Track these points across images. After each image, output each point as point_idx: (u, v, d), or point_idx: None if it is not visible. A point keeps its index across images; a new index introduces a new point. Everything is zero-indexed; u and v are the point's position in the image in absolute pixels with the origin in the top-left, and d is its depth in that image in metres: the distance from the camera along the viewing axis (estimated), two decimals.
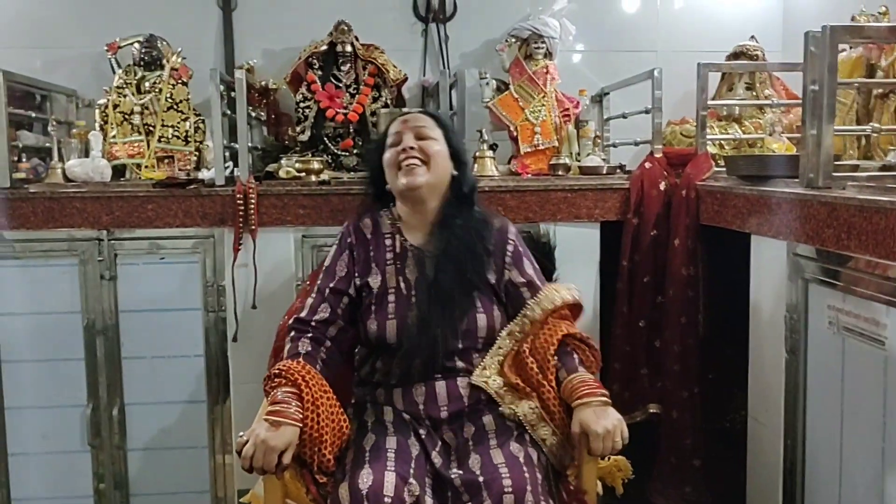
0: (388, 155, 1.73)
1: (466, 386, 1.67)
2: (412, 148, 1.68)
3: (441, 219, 1.74)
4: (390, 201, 1.81)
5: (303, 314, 1.70)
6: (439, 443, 1.62)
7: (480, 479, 1.46)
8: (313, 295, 1.72)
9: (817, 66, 1.70)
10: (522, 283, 1.75)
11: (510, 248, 1.77)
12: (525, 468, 1.50)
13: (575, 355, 1.66)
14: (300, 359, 1.61)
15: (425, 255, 1.72)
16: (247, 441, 1.46)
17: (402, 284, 1.70)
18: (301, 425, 1.48)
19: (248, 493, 1.73)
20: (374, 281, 1.70)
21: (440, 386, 1.66)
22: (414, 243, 1.74)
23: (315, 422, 1.50)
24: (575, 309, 1.76)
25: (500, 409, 1.64)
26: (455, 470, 1.52)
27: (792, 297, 1.84)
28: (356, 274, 1.71)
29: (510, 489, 1.44)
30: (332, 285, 1.70)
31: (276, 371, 1.56)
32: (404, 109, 1.95)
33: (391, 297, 1.68)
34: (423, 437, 1.60)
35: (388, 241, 1.75)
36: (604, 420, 1.49)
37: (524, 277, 1.75)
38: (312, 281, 2.06)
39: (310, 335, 1.67)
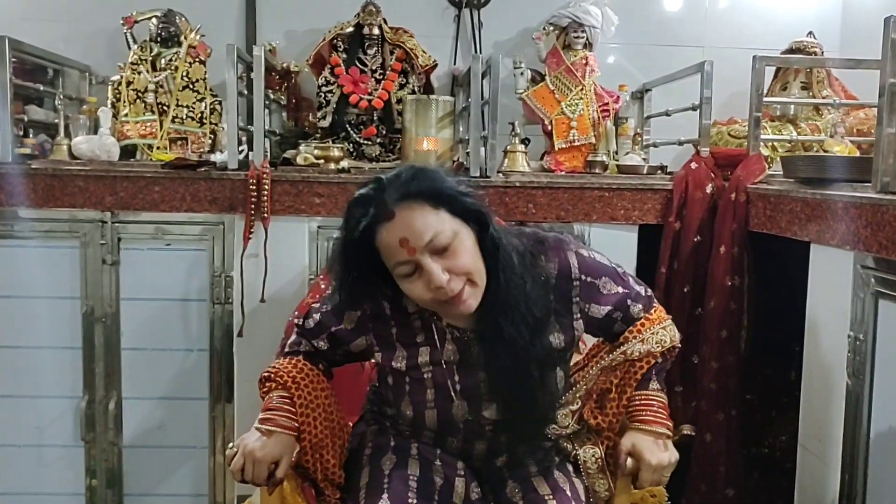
0: (410, 288, 1.23)
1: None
2: (449, 280, 1.19)
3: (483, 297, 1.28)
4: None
5: (307, 325, 1.40)
6: (467, 469, 1.39)
7: None
8: (321, 311, 1.38)
9: None
10: (608, 314, 1.36)
11: (576, 284, 1.33)
12: (573, 503, 1.33)
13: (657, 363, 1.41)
14: (299, 355, 1.41)
15: (467, 335, 1.32)
16: (236, 452, 1.30)
17: (438, 367, 1.33)
18: (295, 434, 1.33)
19: (245, 502, 1.60)
20: (399, 365, 1.33)
21: (479, 443, 1.38)
22: (451, 322, 1.32)
23: (312, 426, 1.34)
24: (674, 352, 1.46)
25: (562, 442, 1.42)
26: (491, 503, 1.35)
27: (857, 314, 1.65)
28: (375, 349, 1.35)
29: None
30: (334, 330, 1.36)
31: (266, 375, 1.39)
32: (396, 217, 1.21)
33: (429, 383, 1.33)
34: (450, 462, 1.38)
35: (416, 322, 1.34)
36: (661, 453, 1.32)
37: (606, 304, 1.35)
38: (327, 276, 1.91)
39: (313, 343, 1.42)
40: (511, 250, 1.28)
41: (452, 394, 1.32)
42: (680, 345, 1.44)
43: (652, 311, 1.42)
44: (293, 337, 1.45)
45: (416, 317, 1.33)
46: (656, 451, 1.32)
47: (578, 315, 1.34)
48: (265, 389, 1.39)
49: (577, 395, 1.41)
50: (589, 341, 1.52)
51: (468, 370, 1.31)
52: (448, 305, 1.22)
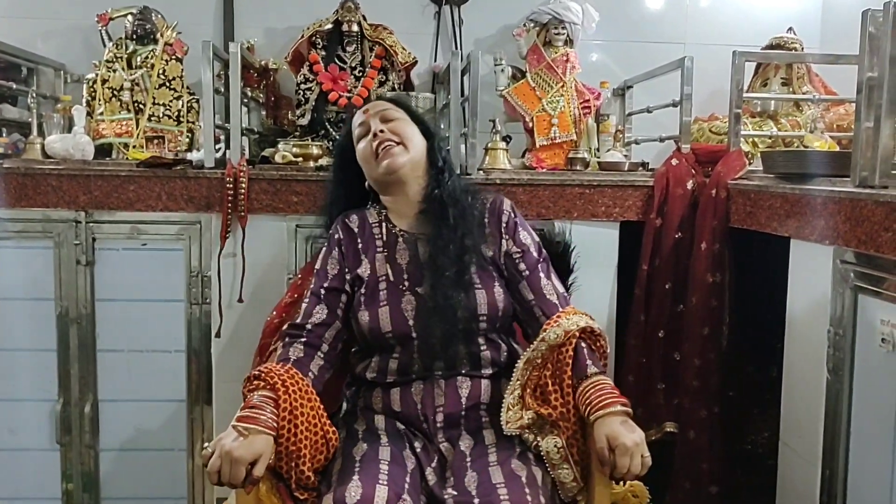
0: (360, 147, 1.65)
1: (466, 388, 1.53)
2: (382, 132, 1.61)
3: (425, 195, 1.64)
4: (369, 202, 1.73)
5: (297, 319, 1.57)
6: (435, 457, 1.47)
7: (476, 500, 1.31)
8: (307, 299, 1.60)
9: (877, 49, 1.50)
10: (517, 253, 1.63)
11: (505, 217, 1.66)
12: (527, 489, 1.33)
13: (583, 348, 1.48)
14: (288, 364, 1.46)
15: (416, 238, 1.62)
16: (212, 452, 1.28)
17: (392, 270, 1.59)
18: (274, 434, 1.31)
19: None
20: (364, 271, 1.60)
21: (439, 385, 1.52)
22: (403, 228, 1.65)
23: (292, 433, 1.34)
24: (598, 339, 1.53)
25: (525, 436, 1.47)
26: (450, 490, 1.37)
27: (837, 309, 1.64)
28: (347, 270, 1.61)
29: None
30: (325, 285, 1.59)
31: (256, 373, 1.41)
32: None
33: (382, 286, 1.57)
34: (419, 449, 1.46)
35: (375, 231, 1.65)
36: (631, 434, 1.31)
37: (519, 246, 1.63)
38: (304, 276, 1.90)
39: (304, 340, 1.53)
40: (454, 174, 1.69)
41: (402, 290, 1.55)
42: (601, 332, 1.53)
43: (567, 307, 1.58)
44: (279, 352, 1.52)
45: (375, 225, 1.65)
46: (626, 432, 1.32)
47: (503, 239, 1.63)
48: (250, 387, 1.38)
49: (514, 392, 1.49)
50: None
51: (414, 270, 1.58)
52: (382, 159, 1.59)
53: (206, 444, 1.33)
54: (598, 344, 1.52)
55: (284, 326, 1.60)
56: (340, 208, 1.73)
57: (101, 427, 2.19)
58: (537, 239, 1.69)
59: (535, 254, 1.64)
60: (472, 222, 1.61)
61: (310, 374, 1.48)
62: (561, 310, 1.56)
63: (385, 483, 1.30)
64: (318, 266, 1.65)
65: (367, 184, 1.70)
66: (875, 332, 1.53)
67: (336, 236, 1.65)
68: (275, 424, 1.32)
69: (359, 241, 1.64)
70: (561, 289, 1.63)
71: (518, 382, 1.50)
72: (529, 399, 1.48)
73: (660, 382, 2.25)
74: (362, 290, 1.57)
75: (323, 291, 1.58)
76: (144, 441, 2.21)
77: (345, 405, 1.66)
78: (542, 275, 1.61)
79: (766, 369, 2.35)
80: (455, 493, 1.35)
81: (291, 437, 1.34)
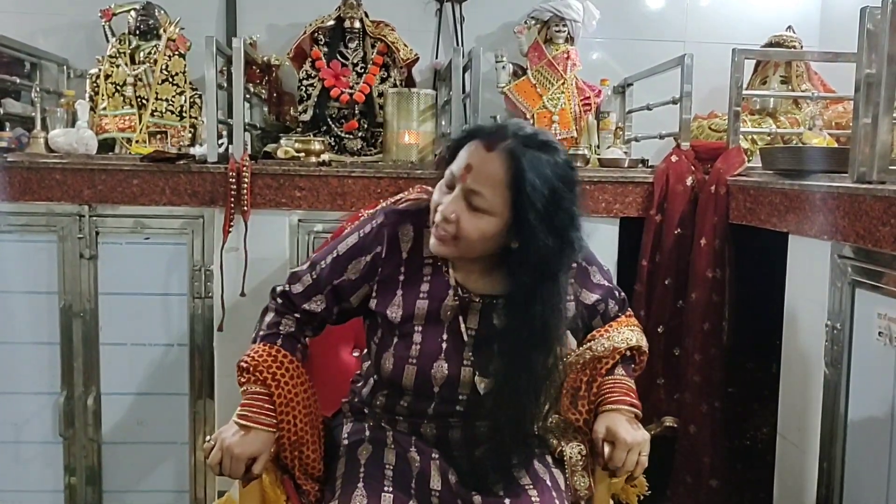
0: (436, 192, 1.28)
1: (485, 429, 1.38)
2: (448, 221, 1.22)
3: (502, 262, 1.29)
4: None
5: (295, 290, 1.37)
6: (443, 458, 1.39)
7: (506, 501, 1.29)
8: (312, 274, 1.37)
9: (875, 46, 1.52)
10: (595, 303, 1.42)
11: (573, 266, 1.35)
12: (555, 494, 1.33)
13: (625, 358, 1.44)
14: (278, 341, 1.35)
15: (471, 299, 1.32)
16: (213, 446, 1.29)
17: (432, 325, 1.32)
18: (274, 430, 1.30)
19: (224, 496, 1.58)
20: (394, 314, 1.32)
21: (454, 431, 1.37)
22: (459, 281, 1.32)
23: (292, 424, 1.32)
24: (642, 355, 1.48)
25: (548, 437, 1.44)
26: (475, 495, 1.32)
27: (835, 303, 1.66)
28: (373, 295, 1.34)
29: None
30: (336, 283, 1.35)
31: (244, 365, 1.33)
32: (483, 128, 1.28)
33: (417, 338, 1.31)
34: (426, 451, 1.38)
35: (426, 269, 1.33)
36: (632, 431, 1.31)
37: (595, 293, 1.42)
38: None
39: (297, 317, 1.38)
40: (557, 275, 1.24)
41: (439, 349, 1.30)
42: (646, 351, 1.47)
43: (624, 314, 1.48)
44: (270, 316, 1.38)
45: (427, 262, 1.33)
46: (630, 429, 1.31)
47: (572, 298, 1.36)
48: (243, 380, 1.35)
49: (550, 393, 1.41)
50: None
51: (457, 339, 1.30)
52: (434, 235, 1.25)
53: (208, 437, 1.33)
54: (639, 357, 1.46)
55: (280, 288, 1.41)
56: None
57: (103, 420, 2.20)
58: (608, 285, 1.46)
59: (611, 297, 1.45)
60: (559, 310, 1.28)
61: (298, 347, 1.37)
62: (619, 312, 1.46)
63: (390, 491, 1.28)
64: (340, 250, 1.36)
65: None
66: (872, 325, 1.55)
67: (377, 248, 1.33)
68: (273, 421, 1.30)
69: (401, 269, 1.33)
70: (617, 290, 1.48)
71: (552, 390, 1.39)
72: (563, 401, 1.44)
73: (660, 378, 2.26)
74: (389, 330, 1.33)
75: (329, 288, 1.35)
76: (147, 434, 2.22)
77: (350, 397, 1.56)
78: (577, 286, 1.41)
79: (765, 365, 2.36)
80: (481, 494, 1.31)
81: (292, 428, 1.32)
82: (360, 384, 1.48)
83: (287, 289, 1.39)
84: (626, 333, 1.43)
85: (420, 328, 1.31)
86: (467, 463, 1.38)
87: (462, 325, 1.31)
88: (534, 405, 1.32)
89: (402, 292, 1.32)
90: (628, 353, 1.43)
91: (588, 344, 1.42)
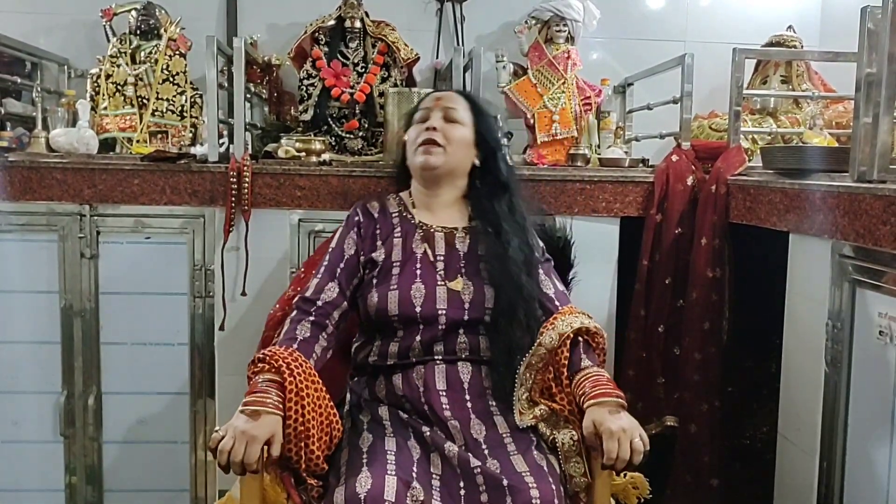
0: (411, 130, 1.71)
1: (468, 373, 1.56)
2: (434, 129, 1.65)
3: (466, 198, 1.73)
4: (408, 180, 1.79)
5: (308, 293, 1.60)
6: (445, 438, 1.45)
7: (505, 482, 1.32)
8: (319, 274, 1.63)
9: (876, 45, 1.52)
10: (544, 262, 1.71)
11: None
12: (551, 479, 1.36)
13: (579, 345, 1.52)
14: (294, 345, 1.48)
15: (434, 231, 1.67)
16: (224, 435, 1.30)
17: (407, 258, 1.62)
18: (282, 414, 1.33)
19: (225, 496, 1.58)
20: (378, 256, 1.63)
21: (439, 369, 1.54)
22: (423, 220, 1.69)
23: (299, 414, 1.35)
24: (595, 336, 1.56)
25: (540, 428, 1.50)
26: (476, 469, 1.36)
27: (835, 302, 1.66)
28: (362, 252, 1.65)
29: (538, 501, 1.30)
30: (342, 265, 1.63)
31: (261, 356, 1.43)
32: (436, 92, 1.85)
33: (395, 271, 1.60)
34: (427, 434, 1.44)
35: (395, 219, 1.70)
36: (617, 420, 1.34)
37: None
38: (308, 268, 1.92)
39: (312, 318, 1.55)
40: (508, 187, 1.73)
41: (414, 274, 1.58)
42: (597, 331, 1.55)
43: (565, 307, 1.60)
44: (286, 326, 1.55)
45: (394, 214, 1.70)
46: (614, 418, 1.34)
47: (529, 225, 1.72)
48: (255, 370, 1.40)
49: (521, 398, 1.51)
50: None
51: (427, 260, 1.61)
52: (421, 153, 1.64)
53: (216, 429, 1.33)
54: (594, 340, 1.54)
55: (295, 299, 1.64)
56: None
57: (104, 419, 2.20)
58: (541, 244, 1.74)
59: (537, 254, 1.69)
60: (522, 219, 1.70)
61: (313, 355, 1.50)
62: (560, 308, 1.60)
63: (394, 473, 1.31)
64: (333, 244, 1.68)
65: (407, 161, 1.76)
66: (873, 324, 1.55)
67: (356, 218, 1.69)
68: (281, 406, 1.34)
69: (377, 226, 1.68)
70: (560, 287, 1.67)
71: (522, 388, 1.53)
72: (538, 399, 1.51)
73: (660, 377, 2.26)
74: (374, 273, 1.61)
75: (338, 271, 1.62)
76: (147, 433, 2.21)
77: (349, 396, 1.67)
78: (541, 272, 1.66)
79: (765, 365, 2.37)
80: (482, 470, 1.35)
81: (299, 419, 1.35)
82: (358, 344, 1.67)
83: (301, 294, 1.61)
84: (569, 319, 1.53)
85: (398, 264, 1.60)
86: (470, 444, 1.43)
87: (430, 253, 1.62)
88: (522, 296, 1.55)
89: (381, 242, 1.65)
90: (580, 338, 1.51)
91: (539, 340, 1.53)
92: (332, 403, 1.45)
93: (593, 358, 1.51)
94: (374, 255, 1.63)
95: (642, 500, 1.55)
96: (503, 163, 1.75)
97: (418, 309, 1.55)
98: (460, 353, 1.56)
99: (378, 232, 1.67)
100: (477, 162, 1.71)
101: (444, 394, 1.52)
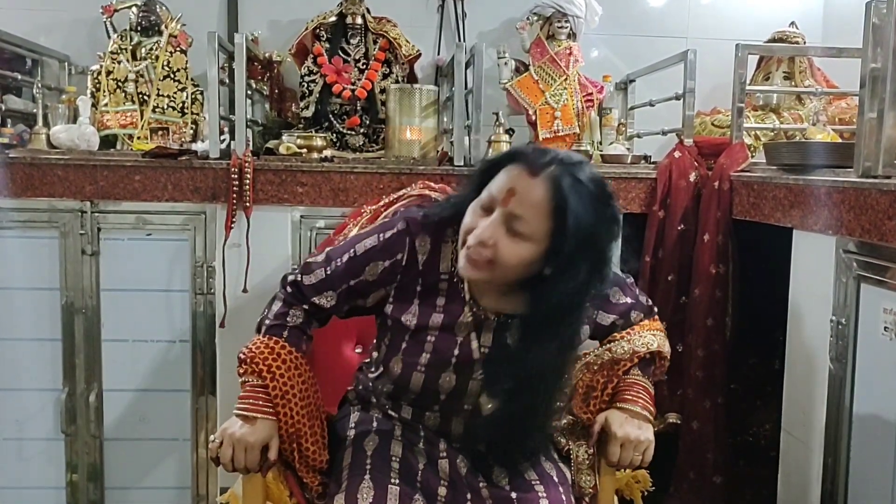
0: (470, 215, 1.23)
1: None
2: (485, 245, 1.18)
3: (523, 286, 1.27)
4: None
5: (307, 281, 1.35)
6: (450, 449, 1.40)
7: (513, 495, 1.30)
8: (327, 270, 1.34)
9: (881, 41, 1.51)
10: (612, 322, 1.42)
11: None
12: (561, 488, 1.33)
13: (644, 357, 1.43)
14: (284, 332, 1.34)
15: (485, 316, 1.31)
16: (221, 442, 1.28)
17: (444, 339, 1.31)
18: (276, 419, 1.30)
19: (227, 493, 1.57)
20: (409, 320, 1.31)
21: (456, 422, 1.38)
22: (474, 297, 1.31)
23: (288, 416, 1.31)
24: (663, 360, 1.48)
25: (556, 436, 1.46)
26: (482, 484, 1.33)
27: (840, 298, 1.65)
28: (389, 300, 1.33)
29: None
30: (352, 283, 1.33)
31: (243, 356, 1.33)
32: (529, 149, 1.25)
33: (428, 347, 1.31)
34: (434, 442, 1.39)
35: (443, 282, 1.32)
36: (630, 428, 1.32)
37: (613, 313, 1.41)
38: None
39: (306, 308, 1.36)
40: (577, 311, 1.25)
41: (449, 362, 1.30)
42: (667, 356, 1.46)
43: (649, 319, 1.47)
44: (278, 305, 1.36)
45: (444, 277, 1.31)
46: (626, 425, 1.32)
47: (586, 321, 1.35)
48: (241, 371, 1.36)
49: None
50: None
51: (468, 351, 1.30)
52: (464, 258, 1.21)
53: (212, 437, 1.32)
54: (658, 361, 1.46)
55: (292, 276, 1.39)
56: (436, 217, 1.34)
57: (105, 417, 2.20)
58: (631, 301, 1.44)
59: (633, 311, 1.44)
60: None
61: (304, 338, 1.37)
62: (641, 317, 1.45)
63: (396, 483, 1.28)
64: (357, 252, 1.33)
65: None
66: (878, 320, 1.54)
67: (399, 256, 1.30)
68: (271, 410, 1.30)
69: (418, 280, 1.31)
70: (643, 298, 1.47)
71: (570, 383, 1.41)
72: (578, 401, 1.43)
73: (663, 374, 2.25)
74: (401, 336, 1.33)
75: (343, 286, 1.34)
76: (149, 431, 2.21)
77: (357, 384, 1.53)
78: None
79: (768, 361, 2.36)
80: (487, 485, 1.32)
81: (289, 420, 1.31)
82: (367, 372, 1.47)
83: (299, 279, 1.36)
84: (648, 338, 1.41)
85: (433, 339, 1.30)
86: (470, 455, 1.38)
87: (475, 342, 1.30)
88: (537, 425, 1.33)
89: (418, 302, 1.31)
90: (648, 356, 1.42)
91: (608, 345, 1.42)
92: (318, 391, 1.36)
93: (647, 371, 1.43)
94: (403, 318, 1.31)
95: (645, 493, 1.54)
96: (593, 280, 1.22)
97: (443, 397, 1.34)
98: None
99: (419, 290, 1.32)
100: (548, 272, 1.21)
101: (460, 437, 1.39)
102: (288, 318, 1.35)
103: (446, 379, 1.31)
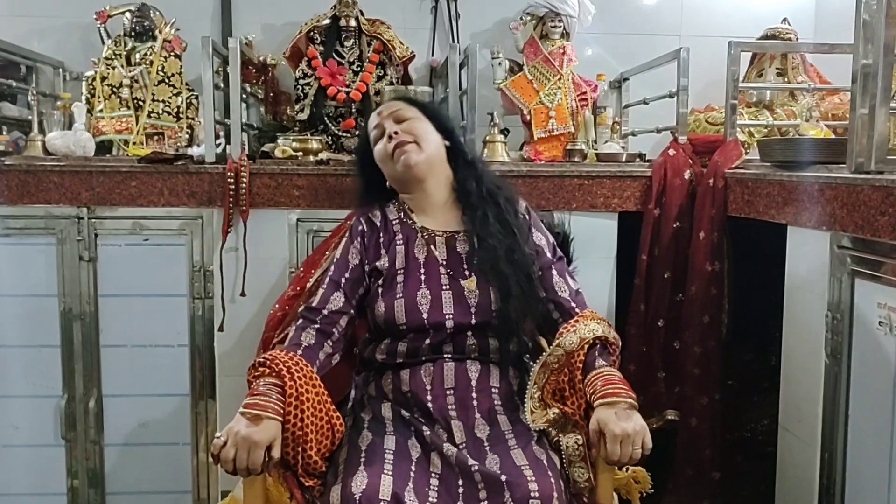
0: (377, 149, 1.69)
1: (476, 371, 1.56)
2: (397, 133, 1.64)
3: (457, 192, 1.71)
4: (392, 199, 1.77)
5: (314, 303, 1.60)
6: (446, 438, 1.46)
7: (503, 478, 1.32)
8: (325, 285, 1.63)
9: (872, 36, 1.52)
10: (531, 254, 1.65)
11: (519, 219, 1.70)
12: (550, 473, 1.36)
13: (596, 347, 1.52)
14: (298, 350, 1.49)
15: (435, 235, 1.66)
16: (225, 441, 1.29)
17: (411, 264, 1.62)
18: (281, 419, 1.33)
19: (227, 497, 1.58)
20: (383, 264, 1.63)
21: (448, 367, 1.55)
22: (423, 225, 1.68)
23: (298, 419, 1.35)
24: (612, 345, 1.56)
25: (548, 431, 1.50)
26: (475, 467, 1.36)
27: (834, 294, 1.67)
28: (367, 261, 1.65)
29: (536, 494, 1.30)
30: (346, 275, 1.63)
31: (261, 360, 1.43)
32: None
33: (399, 278, 1.60)
34: (427, 434, 1.45)
35: (396, 225, 1.69)
36: (625, 422, 1.34)
37: (532, 248, 1.67)
38: (307, 269, 1.92)
39: (318, 326, 1.56)
40: (476, 163, 1.75)
41: (419, 281, 1.58)
42: (615, 341, 1.54)
43: (584, 309, 1.61)
44: (292, 332, 1.56)
45: (395, 221, 1.69)
46: (618, 421, 1.35)
47: (524, 216, 1.71)
48: (256, 374, 1.40)
49: (533, 396, 1.52)
50: None
51: (431, 264, 1.61)
52: (397, 156, 1.63)
53: (217, 435, 1.33)
54: (611, 348, 1.54)
55: (301, 308, 1.65)
56: (367, 206, 1.78)
57: (105, 422, 2.20)
58: (552, 240, 1.73)
59: (548, 254, 1.68)
60: (513, 220, 1.66)
61: (317, 361, 1.50)
62: (577, 309, 1.60)
63: (390, 473, 1.31)
64: (338, 255, 1.68)
65: (388, 183, 1.74)
66: (872, 315, 1.55)
67: (359, 228, 1.69)
68: (281, 410, 1.34)
69: (380, 234, 1.67)
70: (575, 286, 1.66)
71: (535, 386, 1.53)
72: (549, 400, 1.51)
73: (660, 371, 2.26)
74: (379, 282, 1.61)
75: (343, 281, 1.61)
76: (149, 436, 2.21)
77: (353, 393, 1.68)
78: (554, 272, 1.65)
79: (764, 358, 2.38)
80: (480, 469, 1.35)
81: (298, 423, 1.35)
82: (365, 339, 1.68)
83: (306, 304, 1.62)
84: (592, 325, 1.53)
85: (402, 271, 1.60)
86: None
87: (434, 257, 1.62)
88: (517, 294, 1.55)
89: (384, 251, 1.64)
90: (596, 342, 1.50)
91: (557, 341, 1.52)
92: (333, 407, 1.45)
93: (608, 360, 1.50)
94: (378, 263, 1.63)
95: (644, 494, 1.55)
96: (467, 142, 1.80)
97: (425, 315, 1.55)
98: (469, 353, 1.57)
99: (381, 240, 1.66)
100: (448, 143, 1.72)
101: (451, 392, 1.53)
102: (301, 340, 1.53)
103: (423, 294, 1.57)
